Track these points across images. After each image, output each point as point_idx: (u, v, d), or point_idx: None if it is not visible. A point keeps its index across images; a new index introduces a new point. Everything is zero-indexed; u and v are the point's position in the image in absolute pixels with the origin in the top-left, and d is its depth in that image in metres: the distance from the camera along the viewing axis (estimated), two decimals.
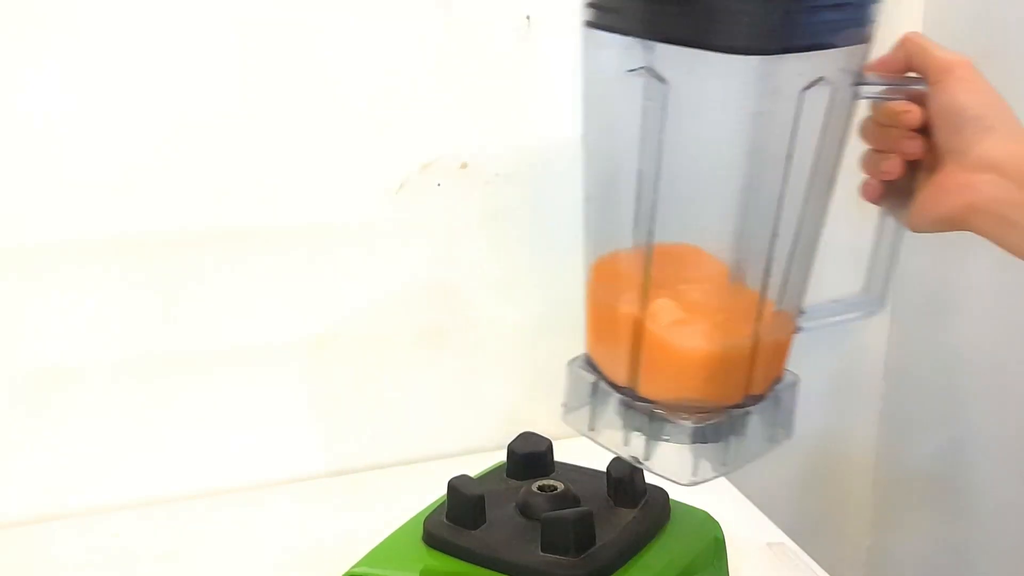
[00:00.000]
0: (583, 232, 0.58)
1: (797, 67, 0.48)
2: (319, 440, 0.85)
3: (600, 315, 0.59)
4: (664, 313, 0.54)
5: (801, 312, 0.58)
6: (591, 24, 0.52)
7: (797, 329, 0.58)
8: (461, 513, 0.61)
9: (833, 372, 1.03)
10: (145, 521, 0.78)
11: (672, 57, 0.48)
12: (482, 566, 0.59)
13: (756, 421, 0.57)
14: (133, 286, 0.77)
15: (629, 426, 0.57)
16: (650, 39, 0.48)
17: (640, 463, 0.57)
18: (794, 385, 0.59)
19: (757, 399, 0.57)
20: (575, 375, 0.60)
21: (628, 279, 0.55)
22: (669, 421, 0.55)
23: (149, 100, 0.73)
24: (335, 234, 0.81)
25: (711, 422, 0.55)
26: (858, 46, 0.51)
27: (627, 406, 0.57)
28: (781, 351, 0.59)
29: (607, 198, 0.56)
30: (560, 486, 0.63)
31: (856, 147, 0.56)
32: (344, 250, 0.81)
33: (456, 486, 0.61)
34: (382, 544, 0.63)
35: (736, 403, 0.56)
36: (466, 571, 0.59)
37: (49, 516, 0.78)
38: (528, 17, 0.80)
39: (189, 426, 0.81)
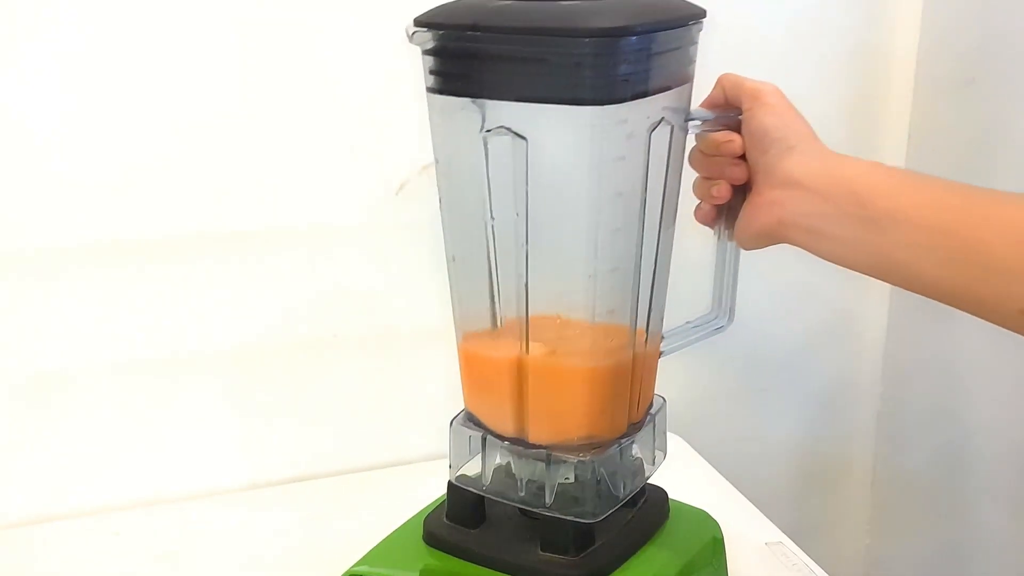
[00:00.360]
0: (450, 291, 0.60)
1: (645, 110, 0.52)
2: (319, 439, 0.85)
3: (478, 370, 0.60)
4: (545, 355, 0.56)
5: (662, 337, 0.62)
6: (439, 91, 0.53)
7: (660, 353, 0.62)
8: (461, 513, 0.61)
9: (831, 373, 1.03)
10: (145, 521, 0.78)
11: (525, 114, 0.51)
12: (482, 565, 0.59)
13: (639, 447, 0.60)
14: (134, 287, 0.77)
15: (523, 474, 0.58)
16: (506, 100, 0.51)
17: (544, 510, 0.58)
18: (663, 407, 0.63)
19: (638, 426, 0.60)
20: (459, 433, 0.61)
21: (503, 331, 0.57)
22: (564, 462, 0.57)
23: (147, 101, 0.73)
24: (335, 234, 0.81)
25: (603, 456, 0.57)
26: (685, 85, 0.56)
27: (519, 455, 0.58)
28: (651, 376, 0.62)
29: (473, 255, 0.58)
30: None
31: (688, 177, 0.60)
32: (344, 250, 0.81)
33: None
34: (382, 544, 0.63)
35: (622, 433, 0.59)
36: (466, 571, 0.59)
37: (49, 516, 0.78)
38: None
39: (189, 426, 0.81)
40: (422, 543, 0.62)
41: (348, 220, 0.81)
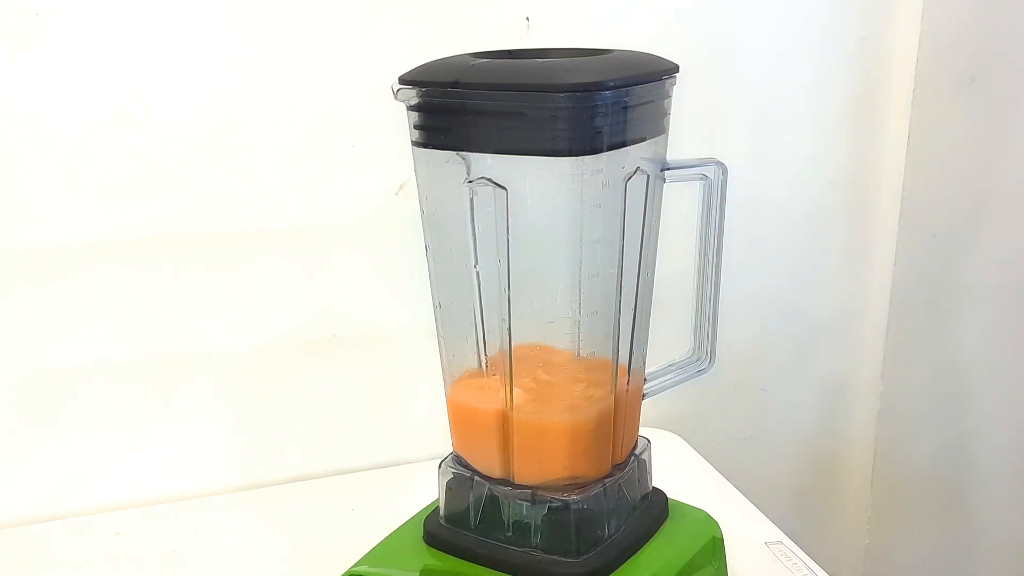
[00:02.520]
0: (437, 336, 0.61)
1: (620, 161, 0.54)
2: (320, 439, 0.85)
3: (464, 419, 0.62)
4: (528, 402, 0.58)
5: (645, 379, 0.63)
6: (424, 145, 0.56)
7: (643, 395, 0.63)
8: (461, 513, 0.61)
9: (832, 372, 1.03)
10: (146, 521, 0.78)
11: (506, 165, 0.54)
12: (482, 566, 0.59)
13: (625, 487, 0.61)
14: (133, 288, 0.77)
15: (511, 515, 0.59)
16: (488, 152, 0.54)
17: (530, 549, 0.58)
18: (647, 448, 0.64)
19: (623, 467, 0.61)
20: (447, 474, 0.62)
21: (488, 380, 0.60)
22: (551, 502, 0.58)
23: (147, 101, 0.73)
24: (335, 234, 0.81)
25: (590, 495, 0.58)
26: (660, 136, 0.58)
27: (505, 496, 0.59)
28: (634, 417, 0.63)
29: (459, 301, 0.60)
30: None
31: (667, 224, 0.61)
32: (344, 250, 0.81)
33: (456, 486, 0.62)
34: (382, 544, 0.63)
35: (607, 473, 0.60)
36: (466, 571, 0.59)
37: (50, 516, 0.78)
38: (528, 18, 0.80)
39: (190, 426, 0.81)
40: (422, 543, 0.62)
41: (347, 220, 0.81)
